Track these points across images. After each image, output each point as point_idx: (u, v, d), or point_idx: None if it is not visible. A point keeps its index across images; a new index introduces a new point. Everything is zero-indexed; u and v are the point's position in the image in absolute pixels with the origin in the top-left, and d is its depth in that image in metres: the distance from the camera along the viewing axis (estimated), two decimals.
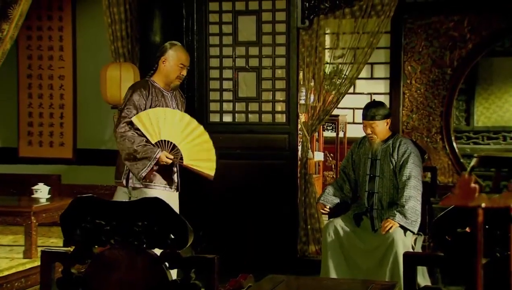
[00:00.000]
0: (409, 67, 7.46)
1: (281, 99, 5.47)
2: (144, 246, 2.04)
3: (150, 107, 3.91)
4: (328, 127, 7.90)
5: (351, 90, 7.57)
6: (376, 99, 7.03)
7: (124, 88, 4.96)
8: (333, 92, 5.48)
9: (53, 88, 6.10)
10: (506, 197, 0.84)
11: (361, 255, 4.19)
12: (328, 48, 5.85)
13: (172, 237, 2.03)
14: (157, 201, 2.07)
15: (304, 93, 5.72)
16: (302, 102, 5.70)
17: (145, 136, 3.86)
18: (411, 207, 4.08)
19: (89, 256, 2.07)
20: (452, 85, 7.34)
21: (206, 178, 4.10)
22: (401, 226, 4.06)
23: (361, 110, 4.44)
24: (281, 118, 5.49)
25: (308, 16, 5.29)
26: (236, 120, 5.59)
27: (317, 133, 7.42)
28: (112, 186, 4.57)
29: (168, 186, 4.02)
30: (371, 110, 4.32)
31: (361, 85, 7.80)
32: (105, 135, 5.94)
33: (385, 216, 4.19)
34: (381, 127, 4.32)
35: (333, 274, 4.18)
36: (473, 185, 0.85)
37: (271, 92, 5.48)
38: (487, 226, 1.68)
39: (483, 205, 0.84)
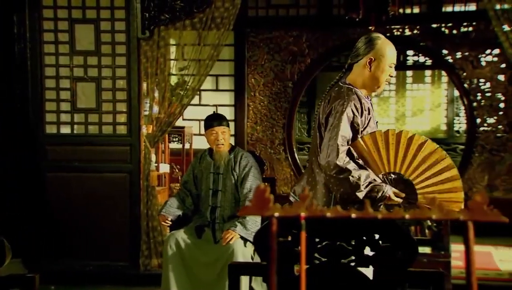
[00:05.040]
0: (252, 80, 7.63)
1: (123, 110, 5.35)
2: None
3: (363, 127, 3.08)
4: (174, 139, 7.87)
5: (196, 102, 7.60)
6: (221, 111, 7.14)
7: None
8: (176, 103, 5.45)
9: None
10: (297, 206, 0.85)
11: (202, 268, 4.18)
12: (172, 59, 5.82)
13: None
14: None
15: (148, 104, 5.64)
16: (146, 113, 5.62)
17: (365, 168, 3.01)
18: (252, 218, 4.15)
19: None
20: (293, 97, 7.58)
21: None
22: (242, 237, 4.11)
23: None
24: (122, 129, 5.37)
25: (149, 27, 5.21)
26: (74, 132, 5.38)
27: (163, 145, 7.37)
28: None
29: None
30: (217, 118, 4.42)
31: (207, 97, 7.86)
32: None
33: (226, 227, 4.22)
34: (228, 135, 4.40)
35: (173, 287, 4.14)
36: (267, 195, 0.85)
37: (112, 103, 5.34)
38: (306, 235, 1.72)
39: (276, 214, 0.85)
